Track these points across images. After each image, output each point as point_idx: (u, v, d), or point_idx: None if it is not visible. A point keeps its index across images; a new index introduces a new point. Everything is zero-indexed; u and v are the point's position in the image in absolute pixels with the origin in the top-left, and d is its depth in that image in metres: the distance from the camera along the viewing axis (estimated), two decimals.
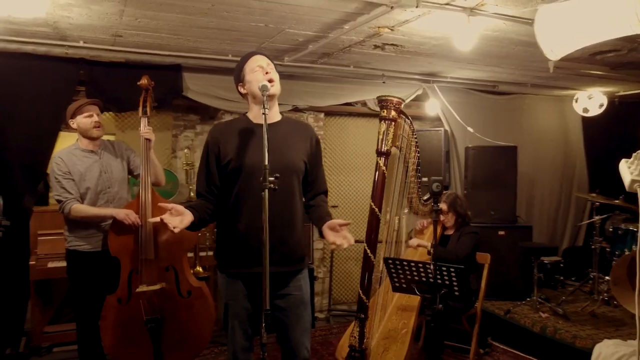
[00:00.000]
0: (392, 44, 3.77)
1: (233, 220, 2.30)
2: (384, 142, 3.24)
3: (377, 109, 5.36)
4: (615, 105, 6.07)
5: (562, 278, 5.46)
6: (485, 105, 5.68)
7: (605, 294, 4.66)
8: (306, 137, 2.42)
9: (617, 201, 4.66)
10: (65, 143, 4.33)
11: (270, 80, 2.29)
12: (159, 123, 5.01)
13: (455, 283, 3.04)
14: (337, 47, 3.88)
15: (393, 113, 3.36)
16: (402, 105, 3.35)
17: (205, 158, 2.37)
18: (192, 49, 3.93)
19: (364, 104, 5.42)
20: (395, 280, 3.22)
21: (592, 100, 5.68)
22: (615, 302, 4.58)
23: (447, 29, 3.27)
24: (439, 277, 3.05)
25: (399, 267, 3.15)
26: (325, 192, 2.53)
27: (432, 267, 3.00)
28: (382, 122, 3.28)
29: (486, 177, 4.89)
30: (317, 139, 2.47)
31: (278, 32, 3.44)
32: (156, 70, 4.31)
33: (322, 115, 5.38)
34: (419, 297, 3.47)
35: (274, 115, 2.40)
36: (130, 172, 3.51)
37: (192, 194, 4.91)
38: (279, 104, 4.74)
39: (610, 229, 4.84)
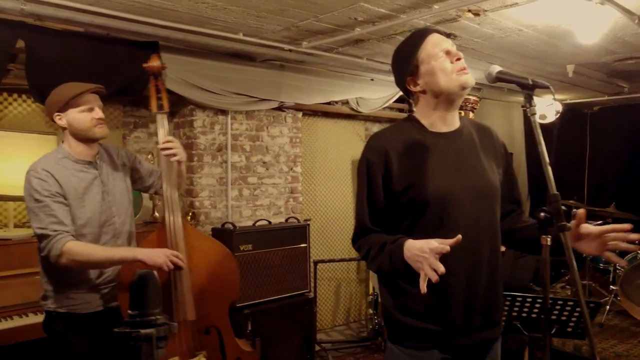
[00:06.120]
0: (450, 33, 3.20)
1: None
2: None
3: (361, 109, 4.82)
4: (559, 113, 6.27)
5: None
6: None
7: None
8: (493, 145, 1.74)
9: (608, 209, 4.69)
10: None
11: (463, 70, 1.59)
12: (107, 119, 3.76)
13: (574, 319, 2.62)
14: (383, 34, 3.18)
15: (471, 115, 2.90)
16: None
17: (366, 183, 1.63)
18: (197, 20, 2.89)
19: (345, 102, 4.74)
20: None
21: (550, 107, 5.76)
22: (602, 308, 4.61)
23: (557, 18, 2.83)
24: (556, 312, 2.62)
25: (507, 302, 2.64)
26: (520, 203, 1.84)
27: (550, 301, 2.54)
28: None
29: None
30: (504, 145, 1.79)
31: (349, 5, 2.62)
32: (121, 45, 3.17)
33: (300, 114, 4.57)
34: None
35: (454, 121, 1.69)
36: (134, 182, 2.42)
37: (156, 214, 3.78)
38: (263, 100, 4.06)
39: None
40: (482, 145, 1.69)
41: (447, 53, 1.59)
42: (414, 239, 1.49)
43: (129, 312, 0.92)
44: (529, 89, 1.42)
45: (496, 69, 1.52)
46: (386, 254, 1.53)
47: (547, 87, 1.40)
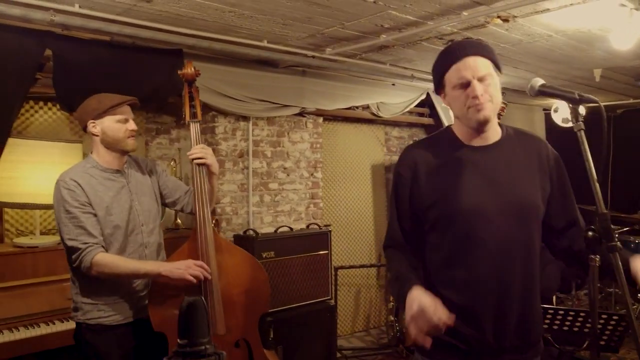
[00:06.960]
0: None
1: (445, 289, 1.55)
2: None
3: (382, 114, 4.79)
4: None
5: None
6: None
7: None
8: (539, 157, 1.63)
9: (635, 215, 4.60)
10: (14, 153, 2.94)
11: (479, 106, 1.49)
12: None
13: (607, 332, 2.55)
14: (408, 40, 3.14)
15: (497, 121, 2.88)
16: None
17: (395, 196, 1.66)
18: (223, 28, 2.88)
19: (366, 107, 4.71)
20: None
21: None
22: None
23: (589, 23, 2.79)
24: (589, 325, 2.56)
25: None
26: (576, 217, 1.69)
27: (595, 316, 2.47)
28: None
29: None
30: (555, 156, 1.67)
31: (376, 12, 2.59)
32: (146, 53, 3.17)
33: (320, 120, 4.54)
34: None
35: (493, 134, 1.61)
36: (161, 198, 2.40)
37: (178, 220, 3.78)
38: (285, 106, 4.03)
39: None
40: (525, 157, 1.61)
41: (467, 86, 1.50)
42: (452, 260, 1.50)
43: (179, 341, 0.89)
44: (575, 104, 1.37)
45: (538, 82, 1.46)
46: (395, 291, 1.57)
47: (595, 102, 1.35)
